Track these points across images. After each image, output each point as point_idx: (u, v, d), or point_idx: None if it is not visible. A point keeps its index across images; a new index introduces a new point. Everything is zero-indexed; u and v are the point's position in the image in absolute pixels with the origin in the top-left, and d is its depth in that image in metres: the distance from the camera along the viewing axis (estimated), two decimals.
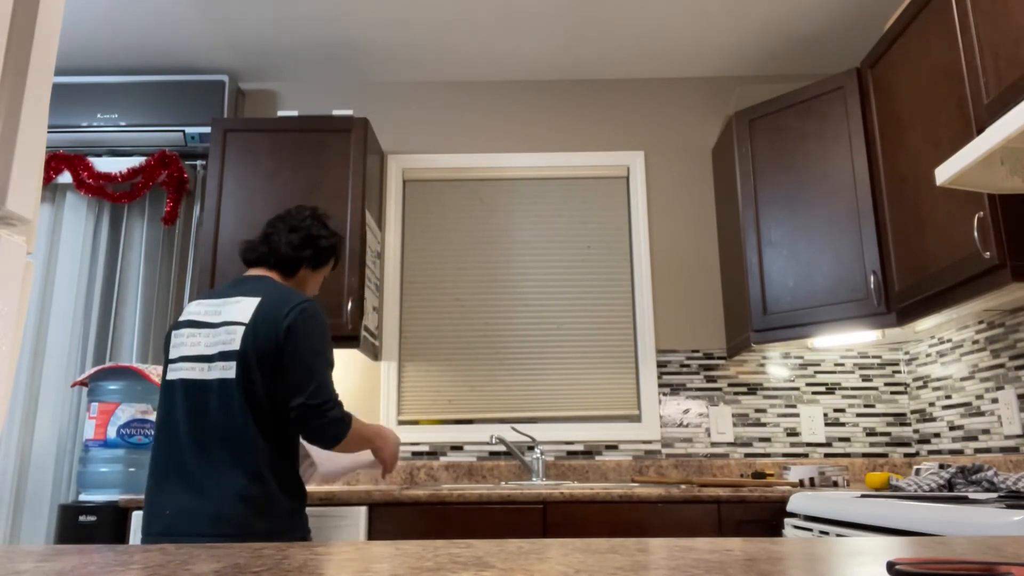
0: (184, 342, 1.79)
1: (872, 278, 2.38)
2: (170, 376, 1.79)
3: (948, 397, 2.62)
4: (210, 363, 1.75)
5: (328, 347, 1.80)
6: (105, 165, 3.04)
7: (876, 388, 2.93)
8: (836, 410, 2.91)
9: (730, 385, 2.95)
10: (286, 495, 1.72)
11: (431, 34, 2.96)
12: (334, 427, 1.74)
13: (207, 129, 3.02)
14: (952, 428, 2.60)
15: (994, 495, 1.68)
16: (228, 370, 1.72)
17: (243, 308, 1.78)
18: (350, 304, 2.63)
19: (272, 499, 1.69)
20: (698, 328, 3.02)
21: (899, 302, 2.29)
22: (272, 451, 1.72)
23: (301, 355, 1.73)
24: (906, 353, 2.93)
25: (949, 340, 2.60)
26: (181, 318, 1.84)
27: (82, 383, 2.47)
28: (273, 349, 1.73)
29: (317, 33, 2.94)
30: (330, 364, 1.79)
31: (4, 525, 2.71)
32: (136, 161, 3.04)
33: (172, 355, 1.80)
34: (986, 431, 2.39)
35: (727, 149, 2.92)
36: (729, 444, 2.90)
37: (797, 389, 2.94)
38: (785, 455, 2.88)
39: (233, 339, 1.74)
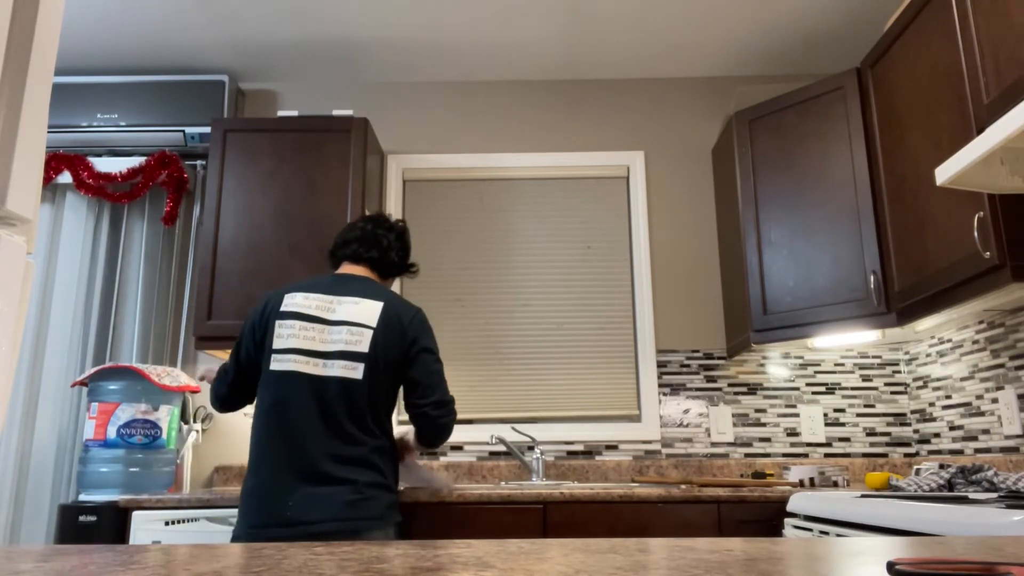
0: (295, 334, 1.80)
1: (872, 278, 2.38)
2: (279, 366, 1.79)
3: (948, 397, 2.62)
4: (326, 359, 1.78)
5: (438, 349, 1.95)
6: (105, 165, 3.04)
7: (876, 388, 2.93)
8: (836, 410, 2.91)
9: (730, 385, 2.95)
10: (392, 487, 1.84)
11: (431, 34, 2.96)
12: (452, 424, 1.92)
13: (207, 129, 3.02)
14: (952, 428, 2.60)
15: (994, 495, 1.68)
16: (353, 371, 1.79)
17: (366, 310, 1.84)
18: None
19: (384, 489, 1.79)
20: (698, 328, 3.02)
21: (899, 302, 2.29)
22: (384, 447, 1.83)
23: (427, 362, 1.88)
24: (906, 353, 2.93)
25: (949, 340, 2.60)
26: (284, 308, 1.83)
27: (82, 383, 2.47)
28: (398, 354, 1.85)
29: (317, 33, 2.94)
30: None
31: (4, 525, 2.71)
32: (136, 161, 3.04)
33: (280, 345, 1.80)
34: (986, 431, 2.39)
35: (727, 149, 2.92)
36: (729, 444, 2.90)
37: (797, 389, 2.94)
38: (785, 455, 2.88)
39: (360, 340, 1.80)
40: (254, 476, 1.75)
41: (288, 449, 1.73)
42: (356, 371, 1.79)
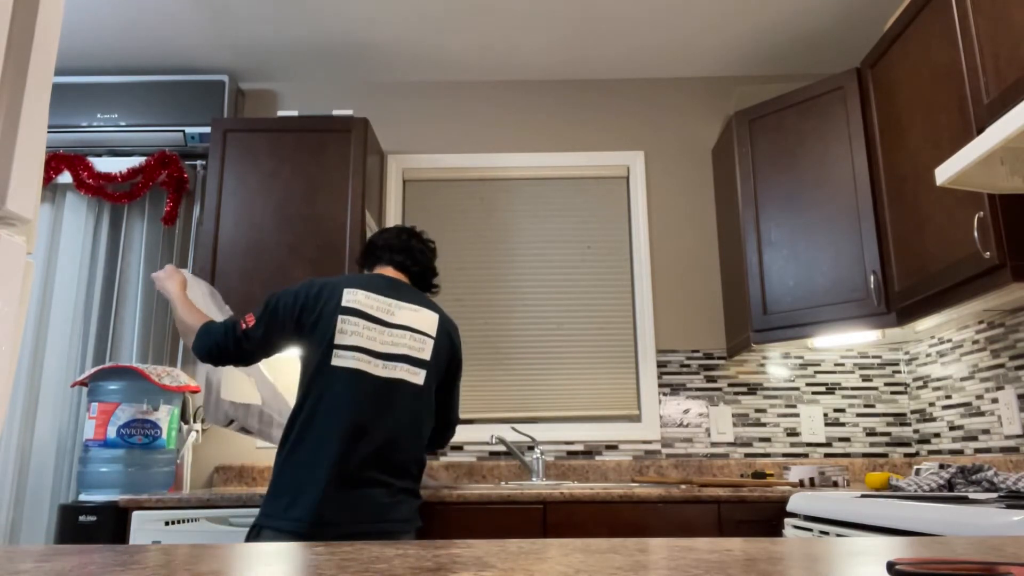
0: (359, 332, 1.81)
1: (872, 278, 2.38)
2: (341, 363, 1.79)
3: (948, 397, 2.62)
4: (387, 361, 1.82)
5: None
6: (105, 165, 3.04)
7: (876, 388, 2.93)
8: (836, 410, 2.91)
9: (730, 385, 2.95)
10: (419, 493, 1.89)
11: (431, 34, 2.96)
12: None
13: (207, 129, 3.02)
14: (952, 428, 2.60)
15: (994, 495, 1.68)
16: (415, 376, 1.85)
17: (426, 320, 1.91)
18: None
19: (413, 495, 1.85)
20: (698, 328, 3.02)
21: (899, 302, 2.29)
22: (423, 456, 1.88)
23: (458, 385, 2.04)
24: (906, 353, 2.93)
25: (949, 340, 2.60)
26: (347, 304, 1.83)
27: (82, 383, 2.47)
28: (446, 367, 1.96)
29: (317, 33, 2.94)
30: None
31: (4, 525, 2.71)
32: (136, 161, 3.04)
33: (342, 341, 1.80)
34: (986, 431, 2.39)
35: (727, 149, 2.92)
36: (729, 444, 2.90)
37: (797, 389, 2.94)
38: (785, 455, 2.88)
39: (423, 348, 1.87)
40: (294, 470, 1.73)
41: (336, 448, 1.73)
42: (418, 376, 1.85)
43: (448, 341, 1.95)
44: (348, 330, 1.81)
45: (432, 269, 2.09)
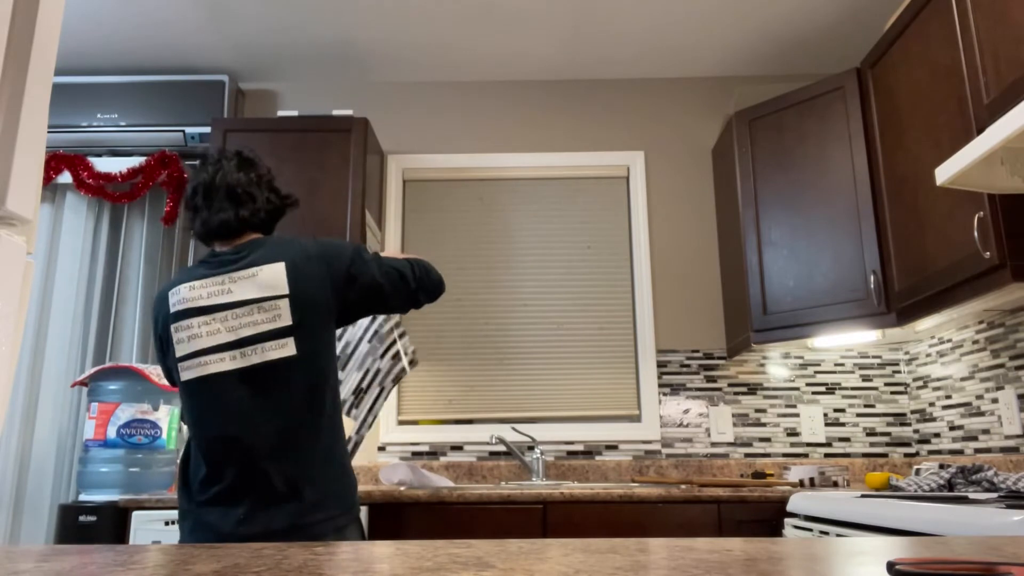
0: (197, 333, 1.52)
1: (872, 278, 2.38)
2: (191, 374, 1.52)
3: (948, 397, 2.62)
4: (243, 347, 1.50)
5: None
6: (105, 165, 3.04)
7: (876, 388, 2.93)
8: (836, 410, 2.91)
9: (730, 385, 2.95)
10: (353, 480, 1.59)
11: (431, 34, 2.96)
12: (430, 276, 1.69)
13: (207, 129, 3.02)
14: (952, 428, 2.60)
15: (994, 495, 1.68)
16: (282, 348, 1.51)
17: (267, 279, 1.54)
18: None
19: (350, 484, 1.57)
20: (698, 328, 3.02)
21: (899, 302, 2.29)
22: (337, 431, 1.57)
23: (373, 268, 1.61)
24: (906, 353, 2.93)
25: (949, 340, 2.60)
26: (175, 308, 1.54)
27: (82, 383, 2.47)
28: (332, 298, 1.58)
29: (317, 33, 2.94)
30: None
31: (4, 525, 2.71)
32: (136, 161, 3.04)
33: (184, 351, 1.52)
34: (986, 431, 2.39)
35: (727, 149, 2.92)
36: (729, 444, 2.90)
37: (797, 389, 2.94)
38: (785, 455, 2.88)
39: (279, 314, 1.51)
40: (200, 493, 1.51)
41: (231, 462, 1.48)
42: (286, 347, 1.51)
43: (315, 272, 1.57)
44: (185, 337, 1.52)
45: (266, 189, 1.67)
